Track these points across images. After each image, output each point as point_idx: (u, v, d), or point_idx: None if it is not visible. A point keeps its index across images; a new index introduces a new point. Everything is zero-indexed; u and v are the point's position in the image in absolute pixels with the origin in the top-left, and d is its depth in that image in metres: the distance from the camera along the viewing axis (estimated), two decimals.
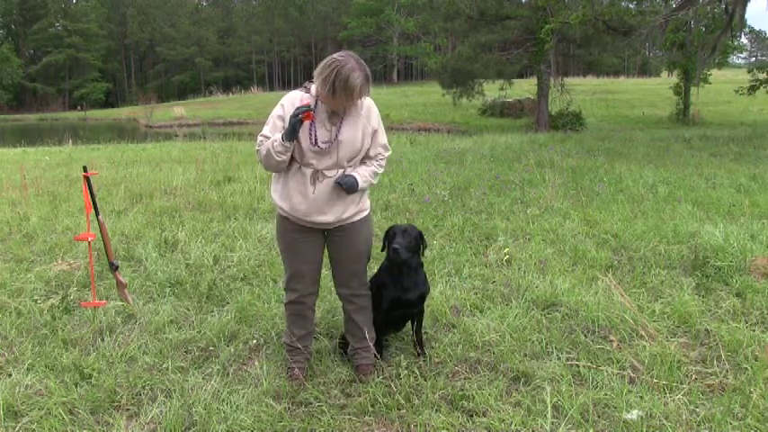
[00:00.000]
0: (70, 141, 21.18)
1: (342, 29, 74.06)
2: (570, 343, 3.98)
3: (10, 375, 3.69)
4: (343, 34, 73.63)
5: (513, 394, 3.40)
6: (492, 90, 31.42)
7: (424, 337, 4.07)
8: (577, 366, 3.66)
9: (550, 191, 8.42)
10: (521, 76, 34.58)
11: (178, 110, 49.48)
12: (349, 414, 3.26)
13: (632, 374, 3.53)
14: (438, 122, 33.06)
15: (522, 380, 3.55)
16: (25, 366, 3.79)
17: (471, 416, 3.21)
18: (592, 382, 3.47)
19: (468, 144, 16.52)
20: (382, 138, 3.59)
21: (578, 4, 20.25)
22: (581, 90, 31.94)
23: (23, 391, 3.48)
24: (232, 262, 5.76)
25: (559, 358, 3.77)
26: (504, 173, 10.45)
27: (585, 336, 4.06)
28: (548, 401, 3.17)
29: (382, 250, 3.85)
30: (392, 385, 3.45)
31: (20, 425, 3.16)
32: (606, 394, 3.31)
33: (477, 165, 11.72)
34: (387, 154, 3.65)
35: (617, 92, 43.70)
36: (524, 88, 31.74)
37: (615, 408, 3.18)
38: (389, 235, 3.75)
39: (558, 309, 4.51)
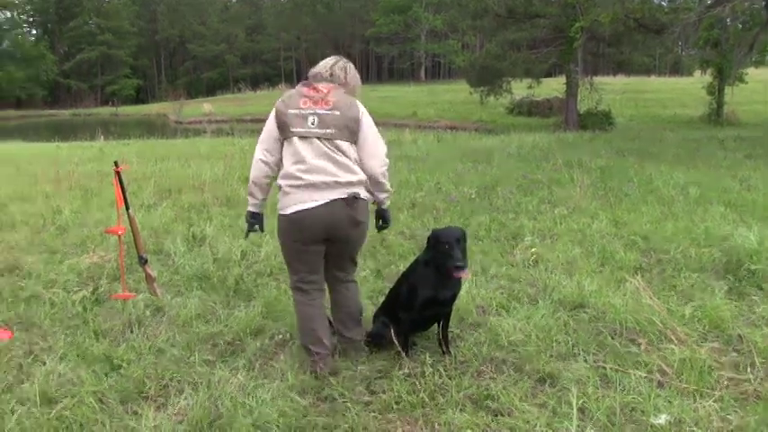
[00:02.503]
0: (102, 137, 21.42)
1: (369, 26, 74.08)
2: (597, 345, 3.94)
3: (44, 363, 3.77)
4: (370, 31, 73.68)
5: (539, 395, 3.38)
6: (520, 88, 31.21)
7: (450, 335, 4.07)
8: (604, 369, 3.62)
9: (578, 191, 8.35)
10: (549, 74, 34.31)
11: (207, 106, 49.79)
12: (373, 411, 3.27)
13: (661, 378, 3.48)
14: (465, 121, 32.94)
15: (548, 381, 3.52)
16: (58, 355, 3.87)
17: (496, 416, 3.20)
18: (619, 385, 3.42)
19: (496, 143, 16.47)
20: None
21: (609, 1, 20.00)
22: (610, 89, 31.56)
23: (57, 380, 3.55)
24: (259, 257, 5.79)
25: (586, 360, 3.73)
26: (532, 172, 10.39)
27: (613, 338, 4.02)
28: (574, 404, 3.14)
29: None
30: (417, 383, 3.45)
31: (54, 411, 3.22)
32: (634, 398, 3.27)
33: (504, 164, 11.68)
34: None
35: (647, 91, 43.17)
36: (553, 87, 31.42)
37: (643, 412, 3.15)
38: (441, 244, 3.68)
39: (586, 310, 4.48)
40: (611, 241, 6.23)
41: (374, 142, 3.69)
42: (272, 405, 3.27)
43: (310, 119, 3.56)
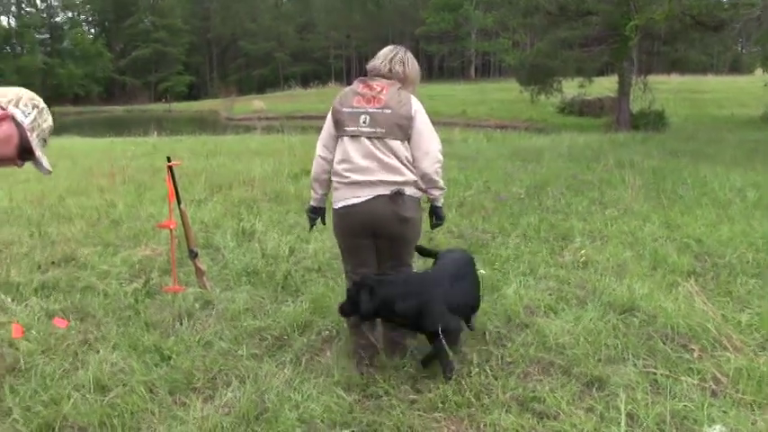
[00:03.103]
0: (155, 132, 21.82)
1: (419, 24, 73.92)
2: (647, 350, 3.86)
3: (98, 352, 3.87)
4: (420, 30, 73.48)
5: (586, 399, 3.33)
6: (571, 87, 30.77)
7: (497, 335, 4.05)
8: (654, 374, 3.55)
9: (630, 192, 8.20)
10: (601, 73, 33.73)
11: (258, 103, 50.35)
12: (419, 409, 3.26)
13: (715, 387, 3.39)
14: (515, 120, 32.65)
15: (596, 385, 3.46)
16: (111, 345, 3.97)
17: (542, 418, 3.16)
18: (670, 392, 3.35)
19: (546, 142, 16.28)
20: None
21: None
22: (665, 89, 30.88)
23: (109, 368, 3.64)
24: (307, 253, 5.84)
25: (636, 365, 3.66)
26: (583, 172, 10.25)
27: (664, 343, 3.93)
28: (622, 409, 3.10)
29: None
30: (463, 383, 3.44)
31: (107, 398, 3.31)
32: (685, 406, 3.19)
33: (554, 163, 11.54)
34: None
35: (704, 91, 42.13)
36: (605, 86, 30.87)
37: (695, 421, 3.07)
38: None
39: (636, 314, 4.39)
40: (664, 244, 6.10)
41: (427, 140, 3.65)
42: (317, 400, 3.30)
43: (362, 118, 3.60)
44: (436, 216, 3.95)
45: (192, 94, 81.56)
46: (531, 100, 32.81)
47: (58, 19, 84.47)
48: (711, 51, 39.53)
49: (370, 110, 3.60)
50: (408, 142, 3.63)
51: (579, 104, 33.47)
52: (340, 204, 3.67)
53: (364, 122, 3.59)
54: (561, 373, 3.62)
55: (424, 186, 3.72)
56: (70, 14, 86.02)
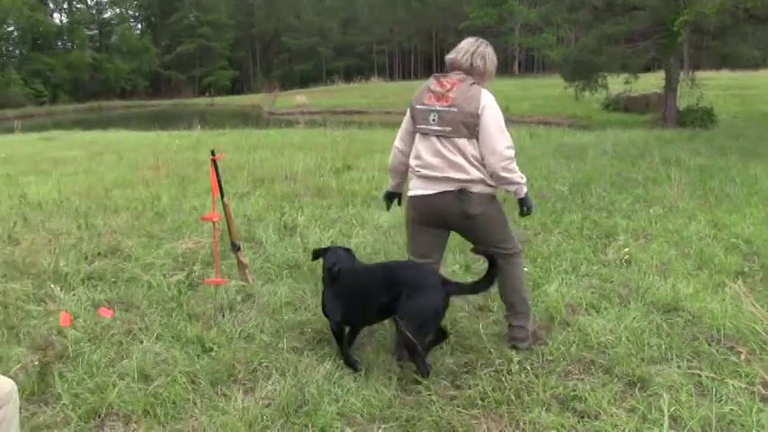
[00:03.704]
0: (198, 126, 22.10)
1: (463, 19, 73.52)
2: (692, 351, 3.80)
3: (142, 342, 3.94)
4: (464, 24, 73.00)
5: (628, 399, 3.29)
6: (616, 84, 30.32)
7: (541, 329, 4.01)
8: (699, 376, 3.48)
9: (676, 190, 8.04)
10: (647, 69, 33.08)
11: (300, 98, 50.59)
12: (458, 406, 3.26)
13: (764, 392, 3.30)
14: (559, 116, 32.25)
15: (638, 385, 3.42)
16: (155, 335, 4.04)
17: (582, 417, 3.14)
18: (715, 395, 3.27)
19: (590, 139, 16.05)
20: None
21: None
22: (713, 85, 30.18)
23: (153, 358, 3.71)
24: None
25: (679, 366, 3.60)
26: (627, 170, 10.08)
27: (709, 344, 3.85)
28: (665, 410, 3.04)
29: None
30: (503, 380, 3.42)
31: (150, 388, 3.37)
32: (732, 409, 3.12)
33: (598, 160, 11.37)
34: None
35: (755, 87, 40.95)
36: (651, 82, 30.28)
37: (743, 426, 3.01)
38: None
39: (680, 314, 4.31)
40: (710, 244, 5.98)
41: (494, 138, 3.62)
42: (356, 394, 3.31)
43: (431, 116, 3.68)
44: (524, 206, 3.96)
45: (236, 88, 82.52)
46: (576, 96, 32.36)
47: (106, 15, 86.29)
48: (764, 46, 38.44)
49: (438, 108, 3.66)
50: (476, 139, 3.63)
51: (624, 101, 32.92)
52: (413, 193, 3.81)
53: (433, 120, 3.67)
54: (603, 372, 3.58)
55: (496, 184, 3.74)
56: (118, 11, 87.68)
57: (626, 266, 5.37)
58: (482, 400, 3.29)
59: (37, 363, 3.54)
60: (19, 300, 4.64)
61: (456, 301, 4.41)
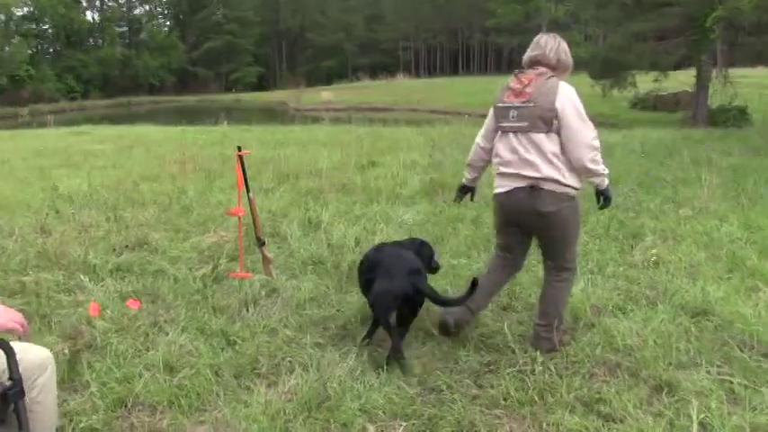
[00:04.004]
0: (225, 122, 22.22)
1: (489, 16, 73.15)
2: (722, 356, 3.72)
3: (167, 334, 3.98)
4: (490, 22, 72.70)
5: (655, 404, 3.25)
6: (645, 82, 29.97)
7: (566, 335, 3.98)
8: (731, 383, 3.41)
9: (706, 191, 7.91)
10: (677, 67, 32.62)
11: (326, 94, 50.70)
12: (480, 405, 3.25)
13: None
14: (586, 114, 31.92)
15: (666, 390, 3.36)
16: (180, 327, 4.07)
17: (607, 421, 3.10)
18: (748, 403, 3.20)
19: (618, 138, 15.88)
20: None
21: None
22: (748, 83, 29.59)
23: (178, 350, 3.75)
24: (373, 245, 5.83)
25: (709, 372, 3.53)
26: (656, 169, 9.95)
27: (741, 350, 3.77)
28: (694, 417, 3.00)
29: None
30: (526, 380, 3.40)
31: (175, 379, 3.41)
32: (767, 419, 3.06)
33: (626, 159, 11.23)
34: None
35: None
36: (681, 80, 29.83)
37: None
38: None
39: (710, 318, 4.23)
40: (743, 246, 5.86)
41: (578, 130, 3.62)
42: (379, 391, 3.31)
43: (511, 113, 3.75)
44: (604, 198, 3.98)
45: (261, 84, 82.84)
46: (603, 94, 32.02)
47: (136, 12, 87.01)
48: None
49: (517, 104, 3.72)
50: (558, 134, 3.63)
51: (653, 99, 32.51)
52: (494, 191, 3.92)
53: (513, 117, 3.74)
54: (629, 375, 3.54)
55: (583, 176, 3.77)
56: (147, 8, 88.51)
57: (653, 268, 5.30)
58: (505, 400, 3.27)
59: (67, 351, 3.60)
60: (50, 290, 4.72)
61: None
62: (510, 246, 4.04)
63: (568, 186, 3.69)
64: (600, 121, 27.65)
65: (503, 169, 3.81)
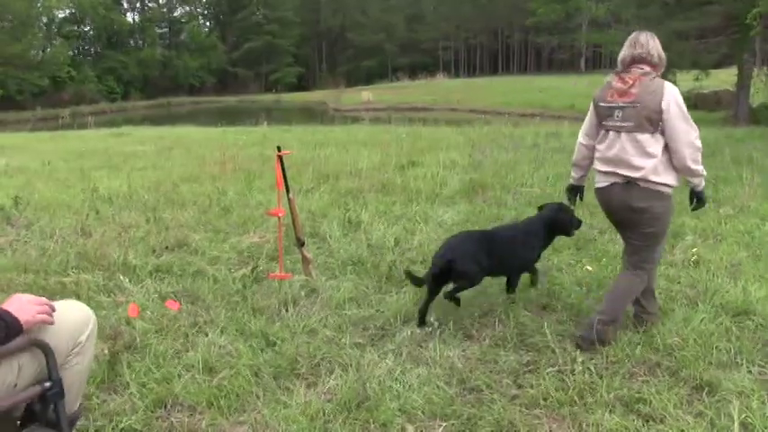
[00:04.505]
0: (265, 122, 22.42)
1: (529, 15, 72.61)
2: (764, 356, 3.68)
3: (207, 335, 4.02)
4: (530, 21, 72.19)
5: (695, 404, 3.21)
6: (686, 81, 29.48)
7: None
8: None
9: (747, 190, 7.78)
10: (718, 65, 32.00)
11: (365, 94, 50.85)
12: (519, 405, 3.24)
13: None
14: None
15: (706, 389, 3.33)
16: (219, 328, 4.11)
17: (647, 421, 3.08)
18: None
19: None
20: None
21: None
22: None
23: (217, 351, 3.78)
24: (412, 245, 5.85)
25: (750, 371, 3.49)
26: None
27: None
28: (735, 416, 2.96)
29: None
30: (566, 380, 3.39)
31: (215, 380, 3.44)
32: None
33: None
34: None
35: None
36: (721, 78, 29.27)
37: None
38: None
39: (751, 317, 4.18)
40: None
41: (681, 131, 3.70)
42: (418, 391, 3.32)
43: (616, 112, 3.82)
44: (697, 199, 4.02)
45: (301, 84, 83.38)
46: None
47: (176, 13, 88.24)
48: None
49: (621, 104, 3.79)
50: (662, 134, 3.71)
51: (694, 98, 31.85)
52: (596, 186, 4.06)
53: (617, 117, 3.81)
54: (669, 375, 3.51)
55: (684, 175, 3.86)
56: (187, 8, 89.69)
57: (694, 267, 5.24)
58: (544, 399, 3.26)
59: (107, 352, 3.66)
60: (90, 290, 4.79)
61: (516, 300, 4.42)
62: (623, 233, 4.15)
63: (663, 184, 3.77)
64: None
65: (602, 167, 3.93)
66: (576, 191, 4.42)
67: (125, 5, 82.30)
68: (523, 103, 37.07)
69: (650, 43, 3.84)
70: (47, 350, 2.31)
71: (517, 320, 4.17)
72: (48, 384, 2.32)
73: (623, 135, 3.78)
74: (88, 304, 4.41)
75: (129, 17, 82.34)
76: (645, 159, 3.72)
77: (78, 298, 4.58)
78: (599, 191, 4.02)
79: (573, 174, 4.35)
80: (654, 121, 3.67)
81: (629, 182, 3.79)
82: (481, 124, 17.64)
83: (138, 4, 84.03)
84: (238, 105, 59.20)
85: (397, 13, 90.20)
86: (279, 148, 4.84)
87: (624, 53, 3.89)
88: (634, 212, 3.83)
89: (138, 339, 3.92)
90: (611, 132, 3.85)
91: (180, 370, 3.56)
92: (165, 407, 3.27)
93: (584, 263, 5.11)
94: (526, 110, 32.82)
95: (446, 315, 4.23)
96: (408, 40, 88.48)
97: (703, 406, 3.17)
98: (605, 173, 3.92)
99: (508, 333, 4.03)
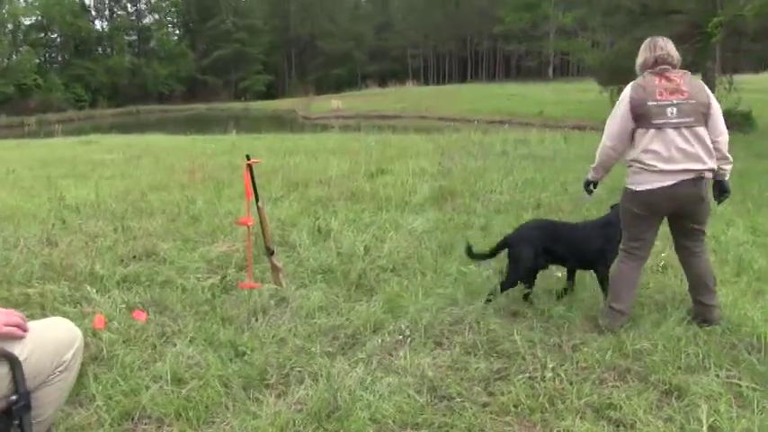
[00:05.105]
0: (234, 130, 22.32)
1: (497, 23, 73.30)
2: (731, 360, 3.72)
3: (175, 345, 3.95)
4: (498, 29, 72.88)
5: (665, 408, 3.24)
6: None
7: (576, 340, 3.97)
8: (739, 386, 3.41)
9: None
10: None
11: (335, 102, 50.91)
12: (491, 413, 3.23)
13: None
14: (594, 120, 31.72)
15: (675, 394, 3.36)
16: (188, 338, 4.05)
17: (618, 426, 3.09)
18: (758, 406, 3.19)
19: None
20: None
21: None
22: (752, 88, 29.52)
23: (186, 361, 3.72)
24: (382, 253, 5.83)
25: (718, 375, 3.52)
26: None
27: (749, 353, 3.77)
28: (704, 420, 3.00)
29: None
30: (536, 387, 3.39)
31: (183, 391, 3.38)
32: None
33: None
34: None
35: None
36: None
37: None
38: None
39: (719, 321, 4.23)
40: (749, 250, 5.86)
41: (721, 121, 4.06)
42: (389, 400, 3.29)
43: (669, 110, 3.92)
44: (724, 190, 4.28)
45: (271, 92, 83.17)
46: (611, 100, 31.88)
47: (145, 21, 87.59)
48: None
49: (675, 101, 3.94)
50: (707, 126, 4.00)
51: None
52: (643, 188, 4.05)
53: (671, 114, 3.93)
54: (638, 380, 3.53)
55: (719, 163, 4.09)
56: (157, 17, 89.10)
57: (662, 272, 5.30)
58: (515, 407, 3.25)
59: None
60: (56, 301, 4.69)
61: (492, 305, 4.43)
62: (648, 241, 4.26)
63: (715, 172, 4.08)
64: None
65: (664, 166, 3.95)
66: (596, 186, 4.66)
67: (93, 13, 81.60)
68: (492, 110, 37.35)
69: (668, 46, 4.11)
70: (14, 363, 2.26)
71: (488, 327, 4.16)
72: (14, 398, 2.27)
73: (684, 131, 3.93)
74: (53, 315, 4.38)
75: (98, 25, 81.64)
76: (708, 152, 3.97)
77: (43, 309, 4.51)
78: (659, 190, 4.00)
79: (595, 174, 4.52)
80: (705, 115, 3.96)
81: (702, 176, 3.96)
82: (450, 132, 17.74)
83: (106, 12, 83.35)
84: (207, 113, 58.86)
85: (366, 21, 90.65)
86: (248, 157, 4.81)
87: (645, 57, 4.14)
88: (702, 203, 4.07)
89: (104, 351, 3.84)
90: (668, 130, 3.93)
91: (148, 381, 3.50)
92: (133, 419, 3.21)
93: (554, 270, 5.13)
94: (495, 117, 33.02)
95: (416, 323, 4.22)
96: (377, 47, 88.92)
97: (673, 410, 3.19)
98: (670, 172, 3.95)
99: (478, 340, 4.02)
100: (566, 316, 4.32)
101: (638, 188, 4.07)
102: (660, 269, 5.35)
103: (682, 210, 4.11)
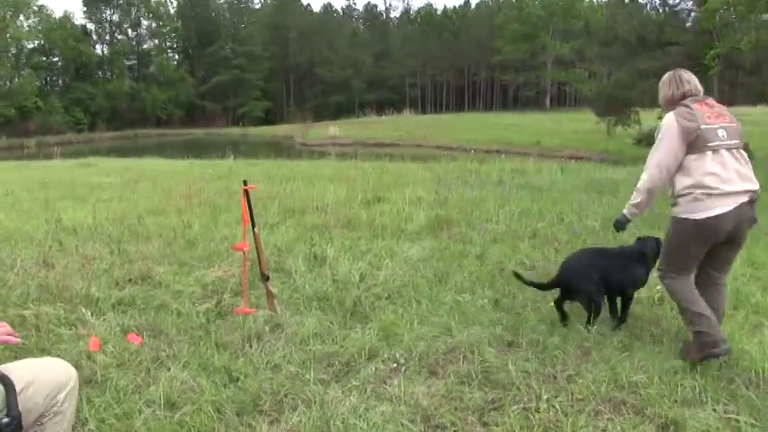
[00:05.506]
0: (231, 156, 22.39)
1: (495, 53, 74.01)
2: (728, 394, 3.69)
3: (169, 369, 3.94)
4: (496, 59, 73.62)
5: None
6: (649, 119, 30.11)
7: (571, 371, 3.95)
8: (737, 421, 3.38)
9: None
10: None
11: (332, 129, 51.13)
12: None
13: None
14: (590, 151, 32.00)
15: (671, 428, 3.33)
16: (182, 363, 4.04)
17: None
18: None
19: (622, 174, 15.92)
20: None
21: (750, 26, 18.81)
22: (749, 120, 29.65)
23: (179, 386, 3.70)
24: (378, 280, 5.82)
25: (715, 410, 3.50)
26: (659, 206, 9.93)
27: (747, 388, 3.74)
28: None
29: None
30: (531, 418, 3.37)
31: (176, 416, 3.37)
32: None
33: (630, 196, 11.23)
34: (644, 175, 4.28)
35: None
36: None
37: None
38: None
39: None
40: (747, 283, 5.85)
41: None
42: (382, 429, 3.28)
43: (720, 132, 3.99)
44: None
45: (269, 119, 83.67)
46: (608, 131, 32.18)
47: (145, 46, 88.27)
48: None
49: (723, 124, 4.04)
50: None
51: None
52: (705, 215, 3.96)
53: (723, 136, 3.99)
54: (634, 413, 3.50)
55: None
56: (157, 42, 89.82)
57: (658, 305, 5.28)
58: None
59: None
60: (51, 323, 4.68)
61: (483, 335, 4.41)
62: (693, 266, 4.23)
63: None
64: (604, 158, 27.92)
65: (726, 187, 3.93)
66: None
67: (94, 38, 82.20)
68: (489, 139, 37.53)
69: (693, 79, 4.24)
70: (8, 386, 2.26)
71: (482, 357, 4.15)
72: (6, 420, 2.26)
73: (735, 153, 4.01)
74: (48, 337, 4.39)
75: (99, 49, 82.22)
76: (753, 173, 4.05)
77: (38, 331, 4.51)
78: (723, 216, 3.94)
79: (637, 211, 4.51)
80: (742, 139, 4.07)
81: (753, 199, 4.01)
82: (447, 160, 17.78)
83: (107, 37, 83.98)
84: (205, 138, 59.02)
85: (365, 49, 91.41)
86: (245, 182, 4.82)
87: (671, 92, 4.26)
88: (752, 225, 4.11)
89: (98, 374, 3.83)
90: (723, 151, 3.97)
91: (141, 405, 3.48)
92: None
93: (549, 299, 5.12)
94: (491, 146, 33.18)
95: (410, 351, 4.20)
96: (376, 76, 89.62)
97: None
98: (730, 193, 3.93)
99: (473, 370, 4.00)
100: (561, 347, 4.30)
101: (700, 216, 3.96)
102: (656, 301, 5.33)
103: (735, 234, 4.05)
